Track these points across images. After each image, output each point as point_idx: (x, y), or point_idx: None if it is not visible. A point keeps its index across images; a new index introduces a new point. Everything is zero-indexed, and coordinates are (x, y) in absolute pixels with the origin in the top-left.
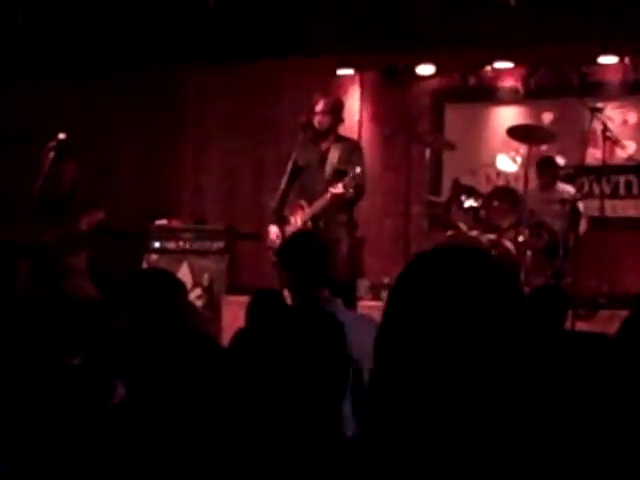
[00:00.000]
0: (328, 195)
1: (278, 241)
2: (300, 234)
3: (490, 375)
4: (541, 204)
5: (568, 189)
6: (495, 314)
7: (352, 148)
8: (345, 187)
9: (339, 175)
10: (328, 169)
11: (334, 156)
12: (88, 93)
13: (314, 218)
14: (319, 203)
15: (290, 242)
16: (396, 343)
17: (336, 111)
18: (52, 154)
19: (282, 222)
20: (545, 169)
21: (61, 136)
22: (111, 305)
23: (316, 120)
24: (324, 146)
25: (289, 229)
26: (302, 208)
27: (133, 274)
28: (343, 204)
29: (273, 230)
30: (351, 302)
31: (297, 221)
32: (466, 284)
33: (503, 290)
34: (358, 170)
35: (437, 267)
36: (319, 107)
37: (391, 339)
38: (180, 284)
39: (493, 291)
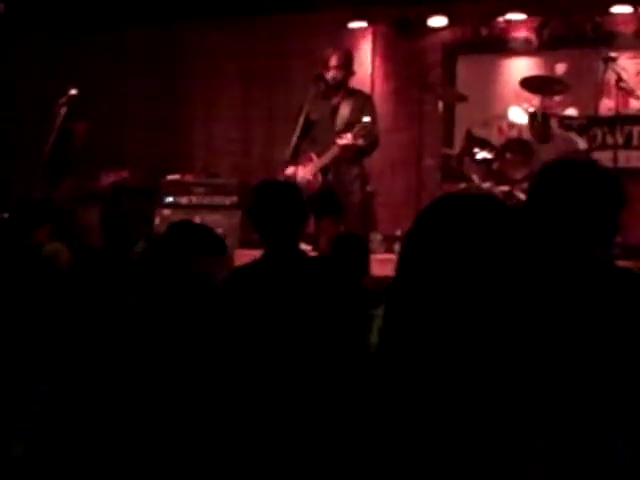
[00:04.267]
0: (336, 146)
1: None
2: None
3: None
4: (552, 155)
5: (579, 140)
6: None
7: (363, 101)
8: (354, 137)
9: (349, 127)
10: (339, 122)
11: (345, 109)
12: (101, 48)
13: (323, 170)
14: (327, 155)
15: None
16: (410, 281)
17: (348, 64)
18: (64, 110)
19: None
20: (540, 124)
21: (72, 92)
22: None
23: (329, 74)
24: (336, 100)
25: (300, 181)
26: (311, 160)
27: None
28: (354, 156)
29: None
30: (363, 255)
31: (307, 173)
32: (476, 228)
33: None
34: (366, 119)
35: (450, 212)
36: (332, 62)
37: (406, 276)
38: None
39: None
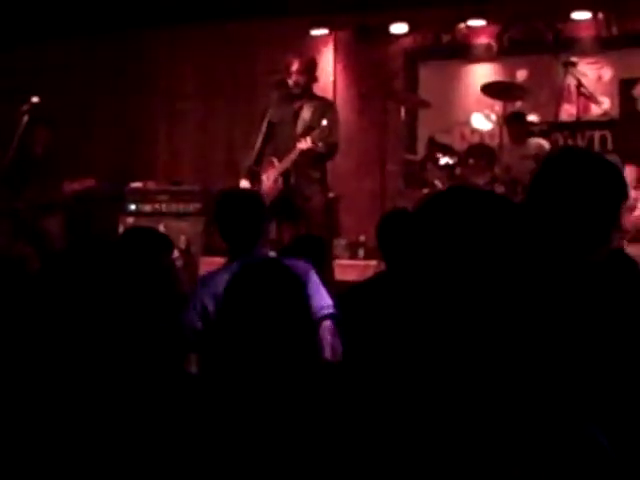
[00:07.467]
0: (296, 150)
1: None
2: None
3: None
4: (516, 160)
5: (542, 144)
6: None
7: (325, 106)
8: (313, 141)
9: (309, 131)
10: (300, 126)
11: (307, 113)
12: (62, 57)
13: (285, 174)
14: (288, 159)
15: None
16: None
17: (310, 70)
18: (26, 118)
19: (254, 179)
20: (514, 124)
21: (34, 99)
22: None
23: (291, 80)
24: (297, 104)
25: (262, 186)
26: (273, 165)
27: (123, 232)
28: (315, 160)
29: (243, 185)
30: (324, 259)
31: (268, 178)
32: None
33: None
34: (324, 123)
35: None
36: (294, 67)
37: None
38: (167, 242)
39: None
